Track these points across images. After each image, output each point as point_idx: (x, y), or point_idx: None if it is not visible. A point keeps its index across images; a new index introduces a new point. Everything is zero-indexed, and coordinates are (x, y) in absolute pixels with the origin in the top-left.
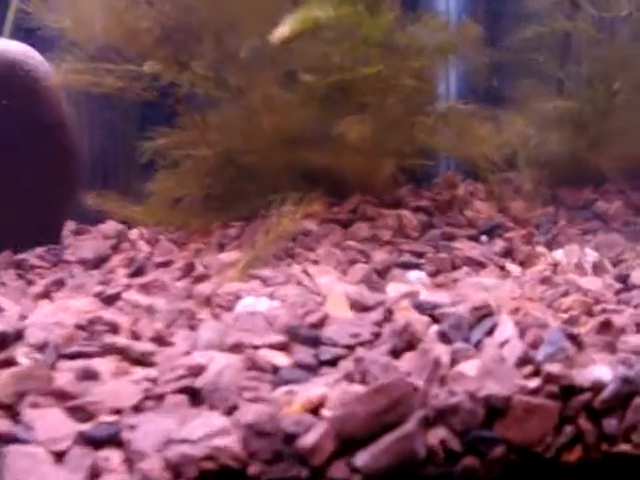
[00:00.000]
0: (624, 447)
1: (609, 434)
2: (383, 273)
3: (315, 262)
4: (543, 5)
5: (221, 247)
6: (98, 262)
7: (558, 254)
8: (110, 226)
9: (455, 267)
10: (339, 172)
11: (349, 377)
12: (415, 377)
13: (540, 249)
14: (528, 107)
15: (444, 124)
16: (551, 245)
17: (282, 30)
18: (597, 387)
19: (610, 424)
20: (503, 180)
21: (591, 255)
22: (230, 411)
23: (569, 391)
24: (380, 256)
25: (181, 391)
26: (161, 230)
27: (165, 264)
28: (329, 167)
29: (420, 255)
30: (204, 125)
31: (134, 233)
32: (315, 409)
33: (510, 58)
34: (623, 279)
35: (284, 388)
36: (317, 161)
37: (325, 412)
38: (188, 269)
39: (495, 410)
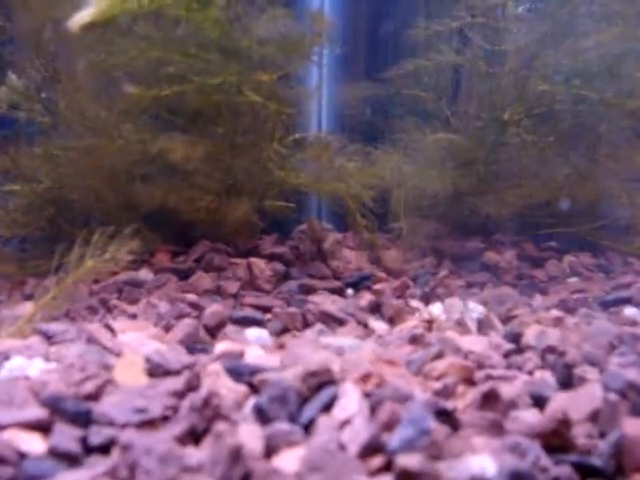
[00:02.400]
0: None
1: None
2: (215, 330)
3: (133, 316)
4: (429, 38)
5: (28, 300)
6: None
7: (436, 309)
8: None
9: (307, 324)
10: (186, 215)
11: (114, 473)
12: (205, 475)
13: (415, 303)
14: (407, 142)
15: (305, 156)
16: (429, 299)
17: (82, 14)
18: None
19: None
20: (375, 225)
21: (476, 310)
22: None
23: None
24: (213, 310)
25: None
26: None
27: None
28: (174, 209)
29: (266, 310)
30: (19, 155)
31: None
32: None
33: (390, 92)
34: (514, 338)
35: None
36: (155, 200)
37: None
38: None
39: None
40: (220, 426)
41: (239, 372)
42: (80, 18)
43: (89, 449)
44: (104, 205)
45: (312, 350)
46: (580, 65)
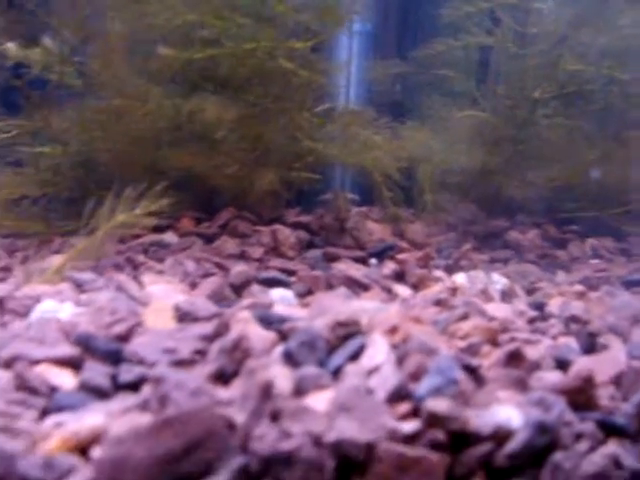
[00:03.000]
0: None
1: None
2: (240, 289)
3: (160, 272)
4: (460, 18)
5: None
6: None
7: (459, 278)
8: None
9: (331, 287)
10: (212, 182)
11: (145, 405)
12: (236, 409)
13: (438, 273)
14: (435, 119)
15: (333, 127)
16: (452, 270)
17: None
18: (501, 436)
19: None
20: (400, 199)
21: (500, 282)
22: None
23: (461, 440)
24: (239, 270)
25: None
26: None
27: None
28: (201, 176)
29: (290, 273)
30: (52, 116)
31: None
32: (84, 448)
33: (420, 71)
34: (538, 307)
35: (55, 417)
36: (183, 165)
37: (96, 452)
38: None
39: (351, 463)
40: (252, 363)
41: (268, 320)
42: None
43: (118, 386)
44: (132, 168)
45: (339, 303)
46: (613, 44)
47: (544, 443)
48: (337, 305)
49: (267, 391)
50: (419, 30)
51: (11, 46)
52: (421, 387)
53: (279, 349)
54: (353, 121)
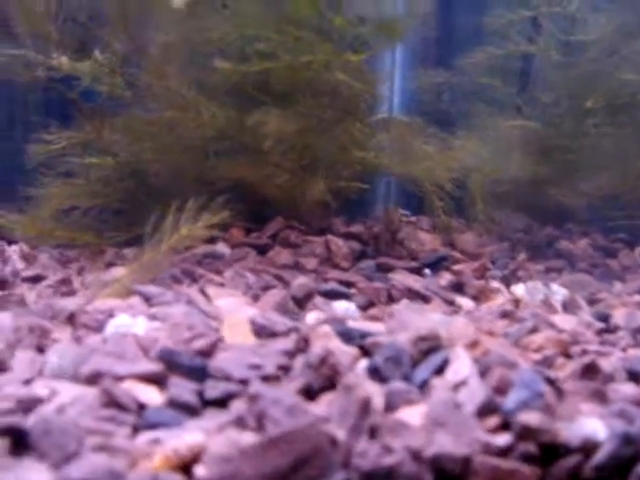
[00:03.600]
0: None
1: None
2: (303, 302)
3: (220, 285)
4: (503, 26)
5: (111, 267)
6: None
7: (519, 289)
8: None
9: (392, 299)
10: (261, 192)
11: (240, 422)
12: (334, 425)
13: (496, 284)
14: (483, 128)
15: (385, 137)
16: (509, 281)
17: None
18: (589, 447)
19: None
20: (452, 209)
21: (559, 293)
22: (63, 463)
23: (551, 452)
24: (301, 282)
25: (3, 432)
26: (48, 247)
27: (34, 279)
28: (250, 186)
29: (350, 285)
30: (103, 128)
31: (13, 248)
32: (185, 465)
33: (465, 80)
34: (604, 318)
35: (148, 434)
36: (234, 175)
37: (200, 470)
38: (61, 286)
39: (447, 476)
40: (348, 379)
41: (350, 335)
42: None
43: (205, 402)
44: (181, 180)
45: (418, 318)
46: None
47: (629, 454)
48: (415, 319)
49: (366, 407)
50: (462, 38)
51: (64, 59)
52: (509, 400)
53: (362, 364)
54: (405, 131)
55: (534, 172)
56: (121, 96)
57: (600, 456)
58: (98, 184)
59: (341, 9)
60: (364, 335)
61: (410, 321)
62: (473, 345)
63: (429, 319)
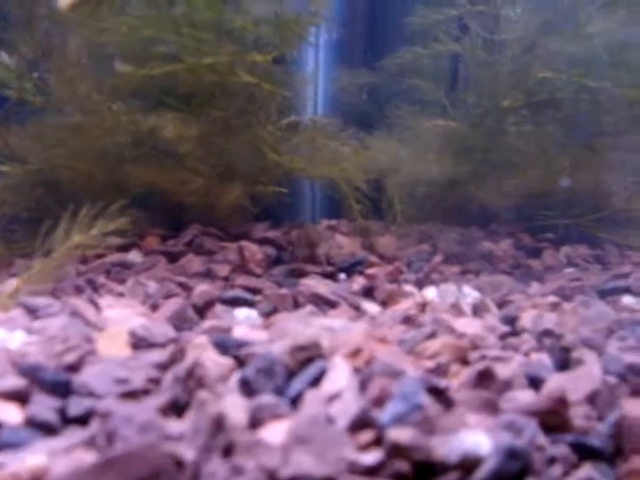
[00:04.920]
0: None
1: None
2: (203, 310)
3: (119, 295)
4: (427, 26)
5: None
6: None
7: (430, 292)
8: None
9: (298, 305)
10: (177, 198)
11: (92, 441)
12: (186, 444)
13: (409, 288)
14: (404, 129)
15: (299, 139)
16: (423, 284)
17: None
18: (469, 464)
19: None
20: (369, 211)
21: (471, 295)
22: None
23: (426, 470)
24: (202, 290)
25: None
26: None
27: None
28: (165, 192)
29: (256, 291)
30: (9, 134)
31: None
32: None
33: (387, 80)
34: (510, 321)
35: None
36: (146, 180)
37: None
38: None
39: None
40: (203, 394)
41: (226, 345)
42: None
43: (67, 420)
44: (94, 186)
45: (300, 326)
46: (582, 52)
47: (515, 470)
48: (298, 326)
49: (219, 424)
50: (386, 38)
51: None
52: (384, 414)
53: (236, 376)
54: (319, 133)
55: (455, 172)
56: (31, 101)
57: (482, 473)
58: (7, 192)
59: (242, 10)
60: (241, 345)
61: (293, 328)
62: (355, 353)
63: (315, 325)
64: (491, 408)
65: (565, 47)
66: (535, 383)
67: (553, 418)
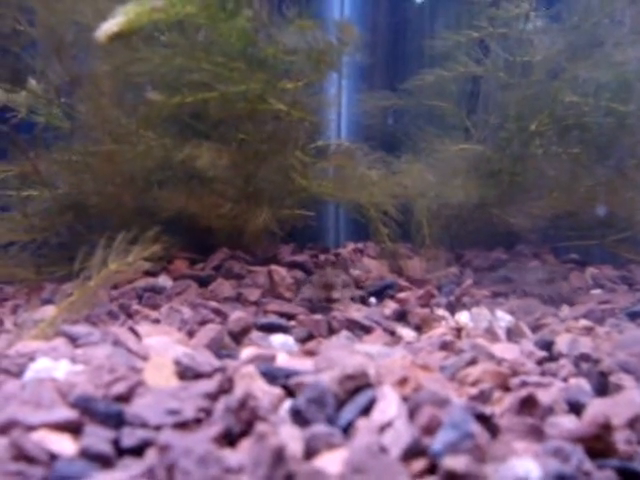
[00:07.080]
0: None
1: None
2: (239, 337)
3: (156, 321)
4: (450, 48)
5: (47, 304)
6: None
7: (463, 317)
8: None
9: (333, 331)
10: (205, 222)
11: (151, 474)
12: (247, 476)
13: (441, 312)
14: (429, 152)
15: (327, 164)
16: (454, 308)
17: (110, 25)
18: None
19: None
20: (397, 235)
21: (504, 319)
22: None
23: None
24: (238, 316)
25: None
26: None
27: None
28: (193, 216)
29: (290, 317)
30: (39, 160)
31: None
32: None
33: (410, 102)
34: (546, 346)
35: None
36: (175, 205)
37: None
38: None
39: None
40: (262, 427)
41: (274, 375)
42: (108, 28)
43: (121, 451)
44: (122, 211)
45: (346, 354)
46: (610, 77)
47: None
48: (343, 355)
49: (279, 456)
50: (408, 61)
51: None
52: (436, 442)
53: (285, 406)
54: (346, 158)
55: (481, 195)
56: (59, 127)
57: None
58: (36, 218)
59: (273, 39)
60: (289, 375)
61: (338, 357)
62: (403, 382)
63: (361, 354)
64: (536, 434)
65: (593, 72)
66: (575, 408)
67: (597, 443)
